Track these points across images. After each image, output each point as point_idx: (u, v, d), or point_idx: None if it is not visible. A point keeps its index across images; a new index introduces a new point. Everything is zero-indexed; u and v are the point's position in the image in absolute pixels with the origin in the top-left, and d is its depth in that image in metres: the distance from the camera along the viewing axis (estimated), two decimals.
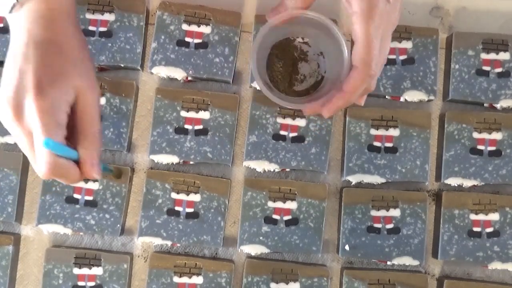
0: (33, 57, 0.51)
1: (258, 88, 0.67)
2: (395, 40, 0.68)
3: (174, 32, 0.68)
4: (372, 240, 0.66)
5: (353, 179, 0.67)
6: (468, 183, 0.67)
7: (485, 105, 0.69)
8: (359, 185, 0.68)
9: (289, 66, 0.64)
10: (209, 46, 0.68)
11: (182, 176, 0.67)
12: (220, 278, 0.66)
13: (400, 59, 0.68)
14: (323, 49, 0.64)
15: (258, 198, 0.66)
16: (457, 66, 0.68)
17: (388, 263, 0.67)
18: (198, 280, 0.66)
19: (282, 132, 0.67)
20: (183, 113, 0.67)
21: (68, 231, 0.66)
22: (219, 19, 0.68)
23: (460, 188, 0.68)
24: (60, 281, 0.65)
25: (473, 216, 0.66)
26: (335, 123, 0.69)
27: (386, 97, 0.69)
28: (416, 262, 0.66)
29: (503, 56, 0.68)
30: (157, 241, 0.66)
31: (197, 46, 0.68)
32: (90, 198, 0.66)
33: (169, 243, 0.67)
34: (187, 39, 0.68)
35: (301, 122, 0.67)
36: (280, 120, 0.67)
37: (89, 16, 0.67)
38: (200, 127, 0.67)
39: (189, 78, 0.69)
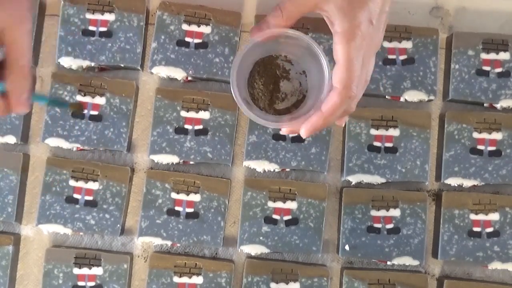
0: None
1: None
2: (395, 40, 0.68)
3: (174, 32, 0.68)
4: (372, 240, 0.66)
5: (353, 179, 0.67)
6: (468, 183, 0.67)
7: (485, 105, 0.69)
8: (359, 185, 0.68)
9: (271, 83, 0.63)
10: (209, 46, 0.68)
11: (182, 176, 0.67)
12: (220, 278, 0.66)
13: (400, 59, 0.68)
14: (305, 67, 0.64)
15: (258, 198, 0.67)
16: (457, 66, 0.68)
17: (388, 263, 0.67)
18: (198, 280, 0.66)
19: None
20: (183, 113, 0.67)
21: (68, 231, 0.66)
22: (219, 19, 0.68)
23: (460, 188, 0.68)
24: (60, 281, 0.66)
25: (473, 216, 0.66)
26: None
27: (386, 97, 0.69)
28: (416, 262, 0.66)
29: (503, 56, 0.68)
30: (157, 241, 0.66)
31: (197, 46, 0.68)
32: (90, 198, 0.66)
33: (169, 243, 0.67)
34: (187, 39, 0.68)
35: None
36: None
37: (89, 16, 0.67)
38: (200, 127, 0.67)
39: (189, 78, 0.69)
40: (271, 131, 0.67)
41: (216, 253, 0.69)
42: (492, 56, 0.68)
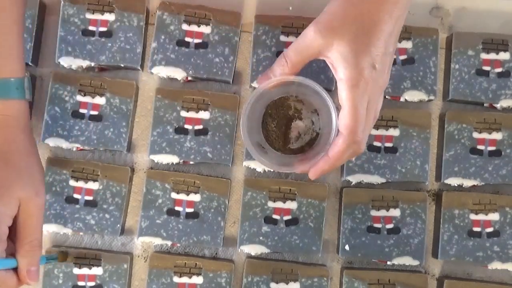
0: None
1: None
2: None
3: (174, 32, 0.68)
4: (372, 240, 0.66)
5: (353, 179, 0.67)
6: (468, 183, 0.67)
7: (485, 105, 0.69)
8: (359, 185, 0.68)
9: (283, 125, 0.65)
10: (209, 46, 0.68)
11: (182, 176, 0.67)
12: (220, 278, 0.66)
13: (400, 59, 0.68)
14: (317, 106, 0.65)
15: (258, 198, 0.67)
16: (457, 66, 0.68)
17: (388, 263, 0.67)
18: (198, 280, 0.66)
19: None
20: (183, 113, 0.67)
21: (68, 231, 0.66)
22: (219, 19, 0.68)
23: (460, 188, 0.68)
24: (60, 281, 0.66)
25: (473, 216, 0.66)
26: None
27: (386, 97, 0.69)
28: (416, 262, 0.66)
29: (503, 56, 0.68)
30: (157, 241, 0.66)
31: (197, 46, 0.68)
32: (90, 198, 0.66)
33: (169, 243, 0.67)
34: (187, 39, 0.68)
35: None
36: None
37: (89, 16, 0.67)
38: (200, 127, 0.67)
39: (189, 78, 0.69)
40: None
41: (216, 253, 0.69)
42: (492, 56, 0.68)
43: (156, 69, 0.67)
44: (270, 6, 0.70)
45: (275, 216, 0.66)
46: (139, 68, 0.68)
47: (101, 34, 0.67)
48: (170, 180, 0.67)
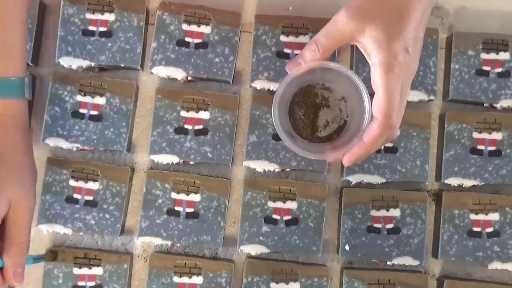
0: None
1: (258, 88, 0.68)
2: None
3: (174, 32, 0.68)
4: (372, 240, 0.66)
5: (353, 179, 0.67)
6: (468, 183, 0.67)
7: (485, 105, 0.69)
8: (359, 185, 0.68)
9: (311, 113, 0.65)
10: (209, 46, 0.68)
11: (182, 176, 0.67)
12: (220, 278, 0.66)
13: None
14: (344, 94, 0.65)
15: (258, 198, 0.67)
16: (457, 66, 0.68)
17: (388, 263, 0.67)
18: (198, 280, 0.66)
19: None
20: (183, 113, 0.67)
21: (68, 231, 0.66)
22: (219, 19, 0.68)
23: (460, 188, 0.68)
24: (60, 281, 0.66)
25: (473, 216, 0.66)
26: None
27: None
28: (416, 262, 0.66)
29: (503, 56, 0.68)
30: (157, 241, 0.66)
31: (197, 46, 0.68)
32: (90, 198, 0.66)
33: (169, 243, 0.67)
34: (187, 39, 0.68)
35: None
36: None
37: (89, 16, 0.67)
38: (200, 127, 0.67)
39: (189, 78, 0.69)
40: (271, 131, 0.67)
41: (216, 253, 0.69)
42: (492, 56, 0.68)
43: (156, 69, 0.67)
44: (270, 6, 0.70)
45: (275, 216, 0.66)
46: (139, 68, 0.68)
47: (101, 34, 0.67)
48: (170, 180, 0.67)
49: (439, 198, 0.68)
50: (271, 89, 0.67)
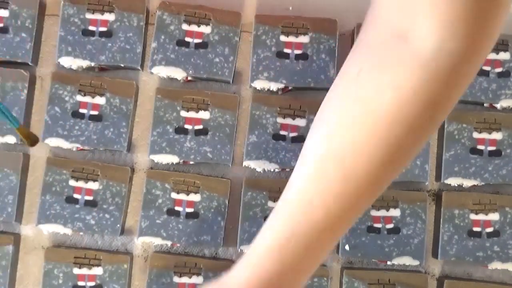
0: None
1: (258, 88, 0.68)
2: None
3: (174, 32, 0.68)
4: (372, 240, 0.66)
5: None
6: (468, 183, 0.67)
7: (485, 105, 0.69)
8: None
9: None
10: (209, 46, 0.68)
11: (182, 176, 0.67)
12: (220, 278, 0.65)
13: None
14: None
15: (258, 198, 0.66)
16: None
17: (388, 263, 0.67)
18: (198, 280, 0.66)
19: (282, 132, 0.67)
20: (183, 113, 0.67)
21: (68, 231, 0.66)
22: (219, 19, 0.68)
23: (460, 188, 0.68)
24: (60, 281, 0.65)
25: (473, 216, 0.66)
26: None
27: None
28: (416, 262, 0.66)
29: (503, 56, 0.68)
30: (157, 241, 0.66)
31: (197, 46, 0.68)
32: (90, 198, 0.66)
33: (169, 243, 0.67)
34: (187, 39, 0.68)
35: (301, 122, 0.67)
36: (280, 120, 0.67)
37: (89, 16, 0.67)
38: (200, 127, 0.67)
39: (189, 78, 0.69)
40: (271, 131, 0.67)
41: (216, 253, 0.69)
42: (492, 56, 0.68)
43: (156, 69, 0.67)
44: (270, 6, 0.70)
45: None
46: (139, 68, 0.68)
47: (101, 34, 0.67)
48: (170, 180, 0.67)
49: (439, 198, 0.68)
50: (271, 89, 0.67)
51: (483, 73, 0.68)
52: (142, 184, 0.68)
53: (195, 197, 0.67)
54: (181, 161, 0.67)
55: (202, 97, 0.67)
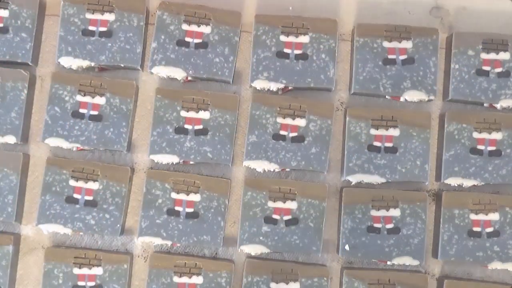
0: None
1: (258, 88, 0.68)
2: (395, 40, 0.68)
3: (174, 32, 0.68)
4: (372, 240, 0.66)
5: (353, 179, 0.67)
6: (468, 183, 0.67)
7: (485, 105, 0.69)
8: (359, 185, 0.68)
9: None
10: (209, 46, 0.68)
11: (182, 176, 0.67)
12: (220, 278, 0.66)
13: (400, 59, 0.68)
14: None
15: (258, 198, 0.67)
16: (457, 66, 0.68)
17: (388, 263, 0.67)
18: (198, 280, 0.66)
19: (282, 132, 0.67)
20: (183, 113, 0.67)
21: (68, 231, 0.66)
22: (219, 19, 0.68)
23: (460, 188, 0.68)
24: (60, 281, 0.66)
25: (473, 216, 0.66)
26: (335, 123, 0.69)
27: (386, 97, 0.69)
28: (416, 262, 0.66)
29: (503, 56, 0.68)
30: (157, 241, 0.66)
31: (197, 46, 0.68)
32: (90, 198, 0.66)
33: (169, 243, 0.67)
34: (187, 39, 0.68)
35: (301, 122, 0.67)
36: (280, 120, 0.67)
37: (89, 16, 0.67)
38: (200, 127, 0.67)
39: (189, 78, 0.69)
40: (271, 131, 0.67)
41: (216, 253, 0.69)
42: (492, 56, 0.68)
43: (156, 69, 0.67)
44: (270, 6, 0.70)
45: (275, 216, 0.66)
46: (139, 68, 0.68)
47: (101, 34, 0.67)
48: (170, 180, 0.67)
49: (439, 198, 0.68)
50: (271, 89, 0.67)
51: (483, 73, 0.68)
52: (142, 184, 0.68)
53: (195, 197, 0.67)
54: (181, 161, 0.67)
55: (202, 97, 0.67)
